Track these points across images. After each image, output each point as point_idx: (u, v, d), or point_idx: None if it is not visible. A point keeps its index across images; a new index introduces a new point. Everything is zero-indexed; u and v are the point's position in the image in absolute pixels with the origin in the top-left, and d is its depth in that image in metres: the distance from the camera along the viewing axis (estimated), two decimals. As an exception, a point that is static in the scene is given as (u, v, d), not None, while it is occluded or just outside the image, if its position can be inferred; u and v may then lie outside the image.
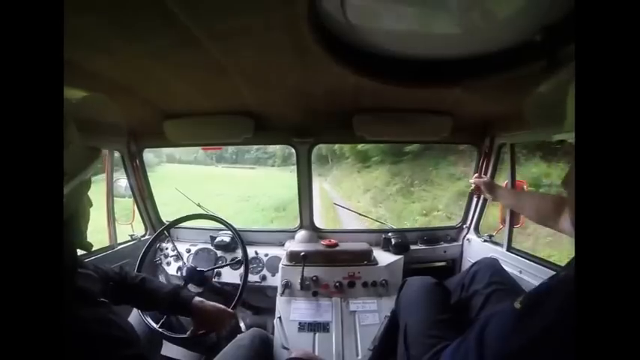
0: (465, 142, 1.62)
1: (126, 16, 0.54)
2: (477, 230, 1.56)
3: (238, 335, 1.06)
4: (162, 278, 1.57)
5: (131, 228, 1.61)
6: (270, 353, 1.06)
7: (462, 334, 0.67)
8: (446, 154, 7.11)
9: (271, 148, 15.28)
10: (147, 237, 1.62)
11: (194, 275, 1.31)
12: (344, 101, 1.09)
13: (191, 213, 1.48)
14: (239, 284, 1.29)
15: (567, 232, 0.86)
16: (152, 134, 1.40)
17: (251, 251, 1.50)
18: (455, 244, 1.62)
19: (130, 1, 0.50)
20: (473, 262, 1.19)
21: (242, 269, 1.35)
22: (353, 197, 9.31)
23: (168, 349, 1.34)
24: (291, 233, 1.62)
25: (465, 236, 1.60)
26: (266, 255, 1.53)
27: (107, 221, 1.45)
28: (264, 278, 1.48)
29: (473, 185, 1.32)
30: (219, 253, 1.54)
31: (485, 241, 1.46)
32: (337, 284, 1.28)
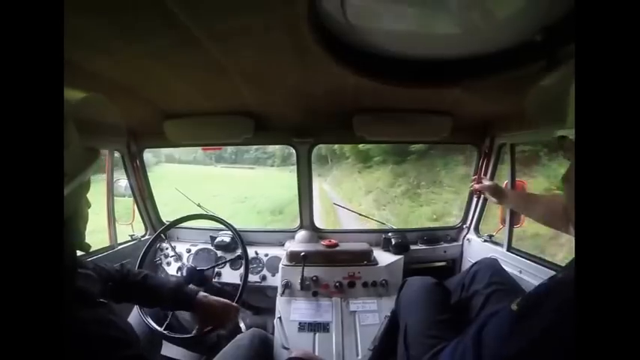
0: (465, 142, 1.62)
1: (126, 17, 0.54)
2: (477, 230, 1.56)
3: (238, 335, 1.06)
4: None
5: (131, 228, 1.61)
6: (269, 353, 1.06)
7: (462, 334, 0.67)
8: (453, 154, 6.60)
9: (270, 148, 15.24)
10: (147, 237, 1.62)
11: (194, 275, 1.31)
12: (344, 101, 1.09)
13: (191, 213, 1.48)
14: (239, 284, 1.29)
15: None
16: (152, 134, 1.40)
17: (251, 251, 1.50)
18: (455, 244, 1.62)
19: (130, 2, 0.50)
20: (473, 262, 1.19)
21: (242, 269, 1.36)
22: (354, 199, 8.94)
23: (168, 349, 1.34)
24: (291, 233, 1.62)
25: (465, 236, 1.60)
26: (266, 255, 1.53)
27: (107, 221, 1.45)
28: (264, 278, 1.48)
29: (472, 186, 1.31)
30: (219, 253, 1.54)
31: (485, 241, 1.46)
32: (337, 284, 1.28)
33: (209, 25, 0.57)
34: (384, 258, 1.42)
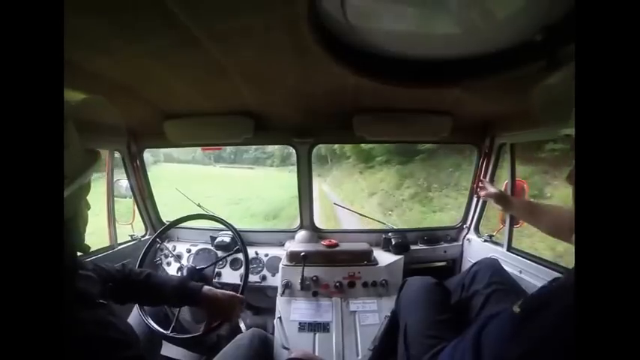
0: (465, 142, 1.62)
1: (126, 16, 0.54)
2: (477, 230, 1.56)
3: (238, 335, 1.06)
4: None
5: (131, 228, 1.61)
6: (269, 353, 1.06)
7: (462, 335, 0.67)
8: (466, 153, 5.57)
9: (270, 148, 15.20)
10: (147, 237, 1.62)
11: (194, 275, 1.30)
12: (344, 101, 1.09)
13: (191, 213, 1.48)
14: (239, 284, 1.29)
15: None
16: (152, 134, 1.40)
17: (251, 251, 1.50)
18: (455, 244, 1.62)
19: (130, 2, 0.50)
20: (473, 262, 1.19)
21: (242, 269, 1.35)
22: (356, 201, 8.33)
23: (168, 349, 1.34)
24: (291, 233, 1.62)
25: (465, 236, 1.60)
26: (266, 255, 1.53)
27: (107, 221, 1.45)
28: (264, 278, 1.48)
29: (476, 189, 1.29)
30: (219, 253, 1.54)
31: (485, 241, 1.46)
32: (337, 284, 1.28)
33: (209, 25, 0.57)
34: (384, 258, 1.42)
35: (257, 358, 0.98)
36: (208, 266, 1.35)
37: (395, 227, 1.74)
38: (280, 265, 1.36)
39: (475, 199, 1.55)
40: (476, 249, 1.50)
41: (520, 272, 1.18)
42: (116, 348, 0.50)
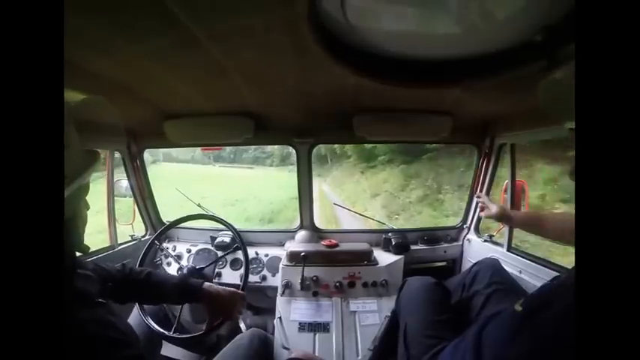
0: (465, 142, 1.63)
1: (126, 17, 0.54)
2: (477, 230, 1.56)
3: (238, 335, 1.06)
4: None
5: (131, 228, 1.61)
6: (269, 353, 1.06)
7: (462, 335, 0.67)
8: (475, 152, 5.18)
9: (269, 147, 15.08)
10: (147, 237, 1.62)
11: (194, 275, 1.31)
12: (344, 101, 1.09)
13: (192, 213, 1.48)
14: (239, 285, 1.29)
15: None
16: (152, 135, 1.41)
17: (251, 251, 1.50)
18: (455, 244, 1.62)
19: (130, 2, 0.50)
20: (473, 262, 1.19)
21: (242, 269, 1.35)
22: (358, 203, 7.80)
23: (168, 349, 1.34)
24: (291, 233, 1.62)
25: (465, 236, 1.60)
26: (266, 255, 1.53)
27: (108, 221, 1.45)
28: (264, 278, 1.48)
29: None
30: (219, 253, 1.55)
31: (485, 241, 1.46)
32: (337, 284, 1.28)
33: (209, 25, 0.57)
34: (384, 258, 1.42)
35: (257, 358, 0.98)
36: (208, 265, 1.35)
37: (395, 227, 1.74)
38: (280, 265, 1.36)
39: (475, 200, 1.55)
40: (476, 249, 1.50)
41: (520, 272, 1.18)
42: (115, 347, 0.50)
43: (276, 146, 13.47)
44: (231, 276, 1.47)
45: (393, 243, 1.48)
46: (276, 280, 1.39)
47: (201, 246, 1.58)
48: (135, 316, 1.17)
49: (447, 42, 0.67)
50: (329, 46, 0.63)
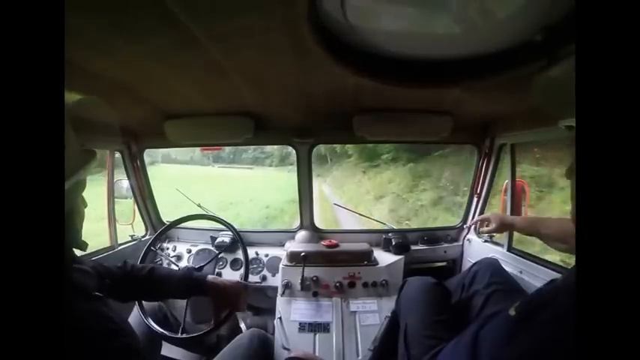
0: (465, 142, 1.63)
1: (126, 17, 0.54)
2: (477, 230, 1.56)
3: (238, 335, 1.06)
4: None
5: (132, 228, 1.61)
6: (269, 353, 1.06)
7: (460, 335, 0.67)
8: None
9: (269, 147, 15.06)
10: (147, 237, 1.62)
11: None
12: (344, 101, 1.09)
13: (192, 213, 1.48)
14: None
15: None
16: (153, 135, 1.41)
17: (251, 252, 1.50)
18: (455, 244, 1.62)
19: (130, 2, 0.50)
20: (473, 262, 1.19)
21: (242, 270, 1.35)
22: (362, 205, 7.16)
23: (168, 349, 1.34)
24: (291, 234, 1.62)
25: (465, 236, 1.60)
26: (266, 255, 1.53)
27: (108, 222, 1.45)
28: (264, 279, 1.48)
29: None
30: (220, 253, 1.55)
31: (485, 241, 1.46)
32: (337, 284, 1.28)
33: (209, 25, 0.57)
34: (385, 258, 1.42)
35: (257, 358, 0.98)
36: (206, 264, 1.35)
37: (395, 227, 1.74)
38: (280, 266, 1.36)
39: (475, 200, 1.55)
40: (476, 249, 1.50)
41: (520, 272, 1.18)
42: (110, 337, 0.50)
43: (275, 146, 13.45)
44: (231, 276, 1.47)
45: (393, 243, 1.48)
46: (276, 281, 1.39)
47: (201, 246, 1.58)
48: (135, 316, 1.17)
49: (447, 42, 0.67)
50: (329, 46, 0.63)
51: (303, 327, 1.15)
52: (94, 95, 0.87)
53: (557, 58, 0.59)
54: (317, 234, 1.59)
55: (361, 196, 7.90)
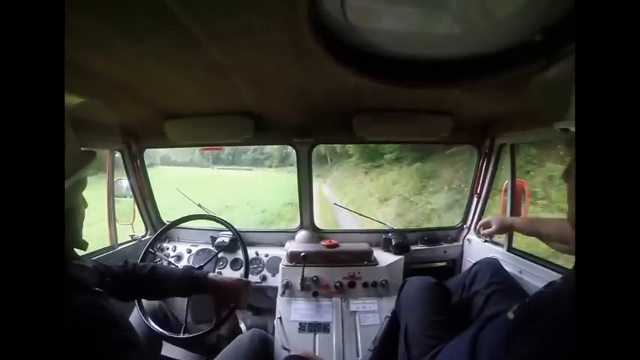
0: (465, 142, 1.63)
1: (126, 17, 0.55)
2: (477, 232, 1.56)
3: (238, 336, 1.06)
4: None
5: (132, 228, 1.61)
6: (269, 353, 1.06)
7: (460, 335, 0.67)
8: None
9: (268, 148, 15.05)
10: (147, 237, 1.62)
11: None
12: (344, 101, 1.09)
13: (192, 213, 1.48)
14: None
15: None
16: (153, 134, 1.41)
17: (251, 252, 1.50)
18: (455, 244, 1.61)
19: (130, 2, 0.50)
20: (473, 262, 1.19)
21: (242, 270, 1.35)
22: (365, 208, 6.59)
23: (168, 349, 1.34)
24: (291, 234, 1.62)
25: (465, 236, 1.60)
26: (266, 255, 1.53)
27: (108, 221, 1.45)
28: (264, 279, 1.48)
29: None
30: (220, 254, 1.55)
31: (485, 241, 1.46)
32: (337, 284, 1.28)
33: (209, 25, 0.57)
34: (385, 258, 1.42)
35: (257, 358, 0.98)
36: (206, 263, 1.35)
37: (395, 227, 1.74)
38: (280, 266, 1.36)
39: (475, 200, 1.55)
40: (476, 249, 1.50)
41: (520, 272, 1.18)
42: (108, 328, 0.50)
43: (275, 147, 13.41)
44: (231, 276, 1.47)
45: (393, 243, 1.48)
46: (276, 281, 1.39)
47: (201, 246, 1.58)
48: (135, 317, 1.17)
49: (447, 42, 0.68)
50: (329, 46, 0.63)
51: (303, 327, 1.15)
52: (94, 95, 0.88)
53: (556, 58, 0.59)
54: (317, 234, 1.59)
55: (364, 198, 7.51)
